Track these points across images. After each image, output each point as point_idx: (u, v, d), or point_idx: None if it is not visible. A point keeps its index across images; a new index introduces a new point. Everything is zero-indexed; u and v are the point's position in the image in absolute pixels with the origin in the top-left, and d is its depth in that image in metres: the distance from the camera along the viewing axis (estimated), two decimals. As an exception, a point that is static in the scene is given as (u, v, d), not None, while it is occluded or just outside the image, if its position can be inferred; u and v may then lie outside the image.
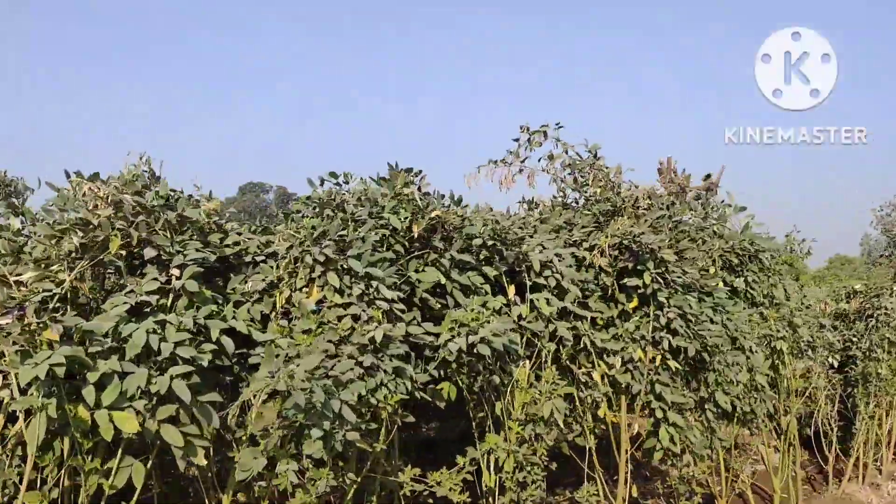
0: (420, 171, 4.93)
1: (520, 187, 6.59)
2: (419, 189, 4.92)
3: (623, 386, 5.78)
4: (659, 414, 5.79)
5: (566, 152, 6.31)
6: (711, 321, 6.01)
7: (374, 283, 3.95)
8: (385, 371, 3.76)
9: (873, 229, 28.53)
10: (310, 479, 3.59)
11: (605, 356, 5.75)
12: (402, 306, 4.04)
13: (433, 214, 4.57)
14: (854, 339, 10.39)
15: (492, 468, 4.72)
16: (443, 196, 4.82)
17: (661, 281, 5.63)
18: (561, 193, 6.63)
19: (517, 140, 6.44)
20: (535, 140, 6.37)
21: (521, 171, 5.99)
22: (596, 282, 5.69)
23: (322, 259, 3.90)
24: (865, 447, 9.43)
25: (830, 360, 8.63)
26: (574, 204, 6.49)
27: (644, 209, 6.15)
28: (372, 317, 3.88)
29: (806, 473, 9.99)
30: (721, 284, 6.74)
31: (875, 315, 10.66)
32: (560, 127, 6.29)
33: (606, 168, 6.12)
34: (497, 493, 4.71)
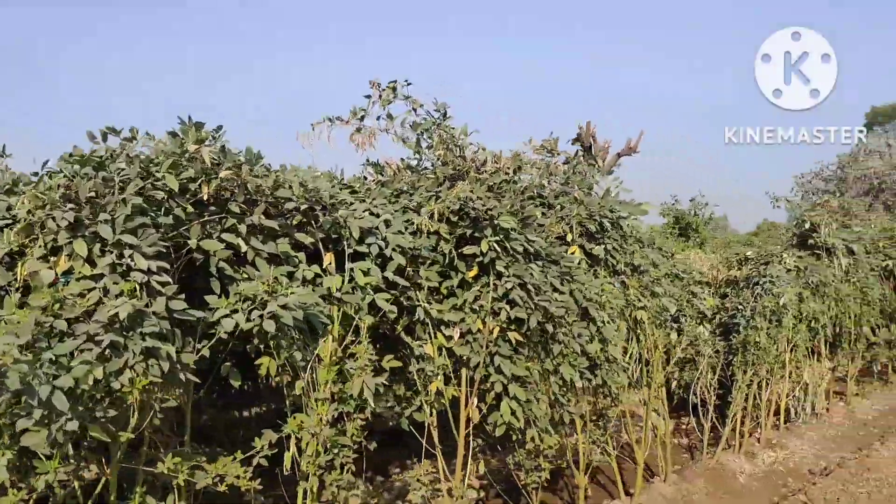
0: (220, 127, 4.46)
1: (388, 147, 6.18)
2: (222, 147, 4.46)
3: (464, 359, 5.50)
4: (499, 388, 5.51)
5: (415, 110, 5.91)
6: (557, 291, 5.74)
7: (129, 252, 3.50)
8: (133, 352, 3.33)
9: (794, 195, 29.00)
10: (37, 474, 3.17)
11: (442, 327, 5.44)
12: (165, 278, 3.60)
13: (223, 174, 4.12)
14: (739, 308, 10.37)
15: (294, 451, 4.36)
16: (239, 153, 4.36)
17: (499, 249, 5.31)
18: (416, 156, 6.24)
19: (368, 97, 6.02)
20: (385, 98, 5.94)
21: (359, 130, 5.56)
22: (434, 249, 5.34)
23: (65, 224, 3.43)
24: (743, 416, 9.42)
25: (701, 328, 8.51)
26: (427, 167, 6.12)
27: (491, 173, 5.81)
28: (123, 290, 3.43)
29: (689, 442, 9.99)
30: (578, 252, 6.48)
31: (760, 283, 10.66)
32: (409, 84, 5.88)
33: (452, 129, 5.74)
34: (299, 479, 4.37)
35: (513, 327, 5.51)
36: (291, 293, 4.10)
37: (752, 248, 12.29)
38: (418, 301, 5.26)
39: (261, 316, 3.85)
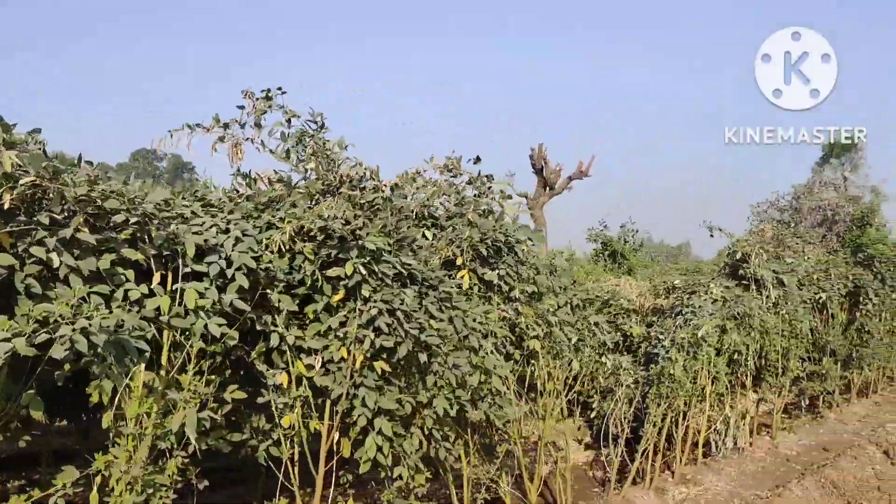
0: (38, 130, 4.02)
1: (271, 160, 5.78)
2: (42, 151, 4.03)
3: (328, 390, 5.09)
4: (362, 421, 5.11)
5: (289, 121, 5.51)
6: (434, 318, 5.36)
7: None
8: None
9: (749, 224, 29.13)
10: None
11: (304, 355, 5.03)
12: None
13: (25, 181, 3.68)
14: (660, 338, 10.11)
15: (95, 492, 3.90)
16: (53, 158, 3.92)
17: (365, 272, 4.92)
18: (296, 169, 5.84)
19: (242, 107, 5.62)
20: (259, 107, 5.54)
21: (221, 139, 5.15)
22: (290, 271, 4.93)
23: None
24: (656, 450, 9.11)
25: (624, 358, 8.21)
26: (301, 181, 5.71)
27: (370, 190, 5.43)
28: None
29: (604, 475, 9.64)
30: (469, 278, 6.12)
31: (683, 313, 10.42)
32: (283, 93, 5.48)
33: (326, 141, 5.35)
34: (106, 521, 3.90)
35: (384, 356, 5.11)
36: (102, 315, 3.66)
37: (681, 276, 12.06)
38: (274, 326, 4.84)
39: (51, 340, 3.40)
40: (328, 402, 5.13)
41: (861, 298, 14.12)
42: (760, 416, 13.09)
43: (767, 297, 12.03)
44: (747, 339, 10.59)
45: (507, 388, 5.99)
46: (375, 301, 4.97)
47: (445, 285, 5.52)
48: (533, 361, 6.62)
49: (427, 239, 6.21)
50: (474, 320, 5.66)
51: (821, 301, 13.75)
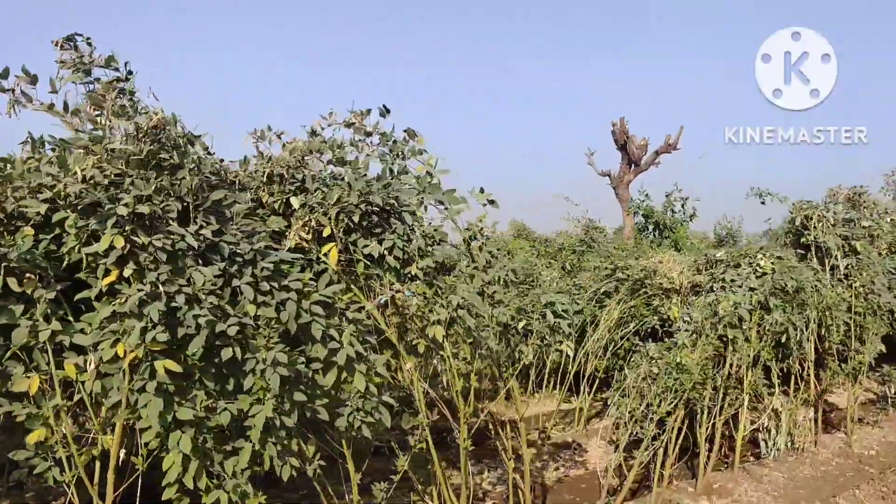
0: None
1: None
2: None
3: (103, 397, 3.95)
4: (149, 436, 3.93)
5: (88, 72, 4.40)
6: (254, 303, 4.10)
7: None
8: None
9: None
10: None
11: (65, 354, 3.91)
12: None
13: None
14: (685, 320, 8.34)
15: None
16: None
17: (129, 246, 3.73)
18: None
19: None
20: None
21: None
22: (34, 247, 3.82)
23: None
24: (665, 455, 7.39)
25: (563, 346, 6.60)
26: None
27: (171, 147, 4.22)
28: None
29: (617, 484, 8.01)
30: (334, 252, 4.80)
31: (714, 289, 8.61)
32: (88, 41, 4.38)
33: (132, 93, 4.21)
34: None
35: (175, 349, 3.92)
36: None
37: (723, 248, 10.09)
38: (20, 319, 3.74)
39: None
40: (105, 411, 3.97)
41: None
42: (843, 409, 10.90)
43: (835, 267, 9.87)
44: (797, 318, 8.56)
45: (381, 388, 4.61)
46: (146, 283, 3.76)
47: (271, 260, 4.22)
48: (442, 353, 5.18)
49: (293, 207, 4.95)
50: (318, 304, 4.33)
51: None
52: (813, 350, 9.02)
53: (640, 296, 10.19)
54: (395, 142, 5.58)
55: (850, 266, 9.91)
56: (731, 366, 7.98)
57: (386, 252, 4.96)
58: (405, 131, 5.76)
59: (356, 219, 4.83)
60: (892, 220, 10.96)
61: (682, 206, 13.03)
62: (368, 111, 5.64)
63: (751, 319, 8.09)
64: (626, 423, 7.59)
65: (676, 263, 10.43)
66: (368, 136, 5.68)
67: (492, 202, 5.80)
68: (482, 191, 5.80)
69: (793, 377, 8.98)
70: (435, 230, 5.18)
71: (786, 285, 8.55)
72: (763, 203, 10.35)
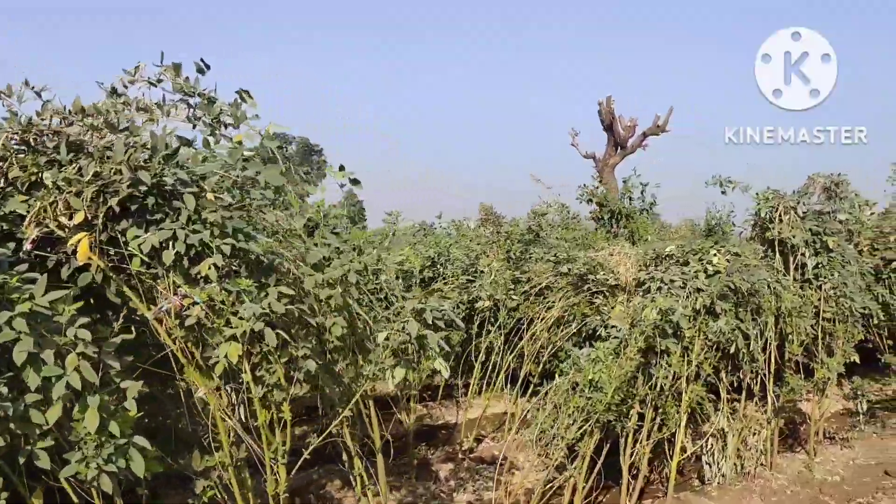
0: None
1: None
2: None
3: None
4: None
5: None
6: None
7: None
8: None
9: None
10: None
11: None
12: None
13: None
14: (615, 326, 7.19)
15: None
16: None
17: None
18: None
19: None
20: None
21: None
22: None
23: None
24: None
25: (435, 365, 5.40)
26: None
27: None
28: None
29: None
30: (84, 245, 3.65)
31: (651, 289, 7.43)
32: None
33: None
34: None
35: None
36: None
37: (674, 242, 8.86)
38: None
39: None
40: None
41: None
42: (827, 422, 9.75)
43: (803, 266, 8.63)
44: (750, 325, 7.35)
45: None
46: None
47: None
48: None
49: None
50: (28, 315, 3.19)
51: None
52: (773, 361, 7.81)
53: (583, 293, 9.00)
54: (210, 101, 4.45)
55: (820, 265, 8.66)
56: (664, 381, 6.79)
57: (163, 245, 3.80)
58: (237, 92, 4.66)
59: (118, 200, 3.68)
60: (873, 213, 9.66)
61: (642, 192, 11.75)
62: (179, 65, 4.51)
63: (695, 326, 6.89)
64: (544, 443, 6.49)
65: (626, 257, 9.22)
66: (189, 96, 4.56)
67: (354, 182, 4.77)
68: (342, 168, 4.74)
69: (744, 392, 7.78)
70: (247, 217, 4.03)
71: (737, 287, 7.34)
72: (724, 193, 9.09)
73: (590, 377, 6.04)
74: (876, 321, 9.73)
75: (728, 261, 7.97)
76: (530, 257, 9.69)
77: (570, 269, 8.91)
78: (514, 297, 8.95)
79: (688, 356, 6.84)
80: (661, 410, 7.06)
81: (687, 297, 7.29)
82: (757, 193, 8.74)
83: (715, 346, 7.22)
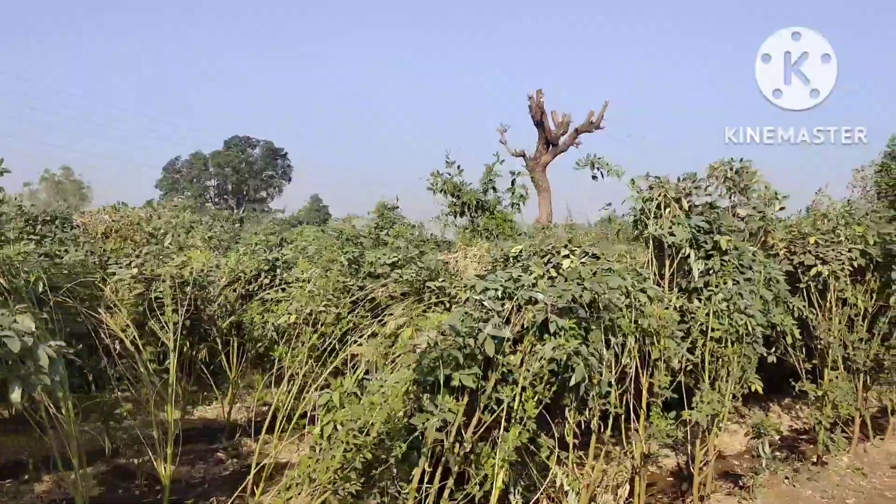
0: None
1: None
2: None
3: None
4: None
5: None
6: None
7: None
8: None
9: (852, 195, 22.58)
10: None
11: None
12: None
13: None
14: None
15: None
16: None
17: None
18: None
19: None
20: None
21: None
22: None
23: None
24: None
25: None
26: None
27: None
28: None
29: None
30: None
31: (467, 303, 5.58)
32: None
33: None
34: None
35: None
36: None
37: (520, 243, 7.03)
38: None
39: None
40: None
41: (894, 275, 8.41)
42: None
43: (687, 272, 6.85)
44: (598, 349, 5.53)
45: None
46: None
47: None
48: None
49: None
50: None
51: (820, 279, 8.26)
52: (644, 392, 6.00)
53: (420, 302, 7.15)
54: None
55: (711, 271, 6.86)
56: (470, 424, 4.95)
57: None
58: None
59: None
60: (783, 208, 7.87)
61: (512, 184, 9.88)
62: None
63: (523, 351, 5.07)
64: None
65: (473, 260, 7.38)
66: None
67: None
68: None
69: (593, 436, 5.94)
70: None
71: (593, 298, 5.53)
72: (595, 178, 7.28)
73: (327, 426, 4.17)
74: (791, 340, 7.97)
75: (584, 263, 6.19)
76: (365, 262, 7.83)
77: (400, 276, 7.07)
78: (332, 309, 7.08)
79: (496, 390, 4.99)
80: (476, 459, 5.23)
81: (518, 310, 5.49)
82: (632, 180, 6.94)
83: (549, 377, 5.40)
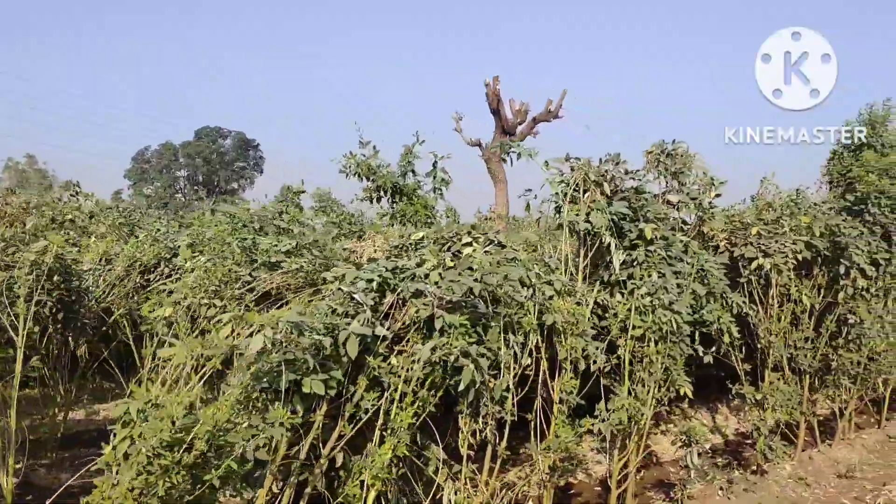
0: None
1: None
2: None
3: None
4: None
5: None
6: None
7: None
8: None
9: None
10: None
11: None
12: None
13: None
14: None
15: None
16: None
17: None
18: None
19: None
20: None
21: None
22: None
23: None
24: None
25: None
26: None
27: None
28: None
29: None
30: None
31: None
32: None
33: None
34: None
35: None
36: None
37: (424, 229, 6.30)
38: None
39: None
40: None
41: (843, 269, 7.78)
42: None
43: (609, 263, 6.18)
44: (495, 349, 4.83)
45: None
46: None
47: None
48: None
49: None
50: None
51: (762, 273, 7.62)
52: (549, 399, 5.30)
53: (317, 294, 6.40)
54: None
55: (636, 262, 6.19)
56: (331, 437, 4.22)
57: None
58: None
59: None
60: (719, 195, 7.21)
61: (434, 166, 9.14)
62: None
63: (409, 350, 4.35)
64: None
65: (376, 248, 6.65)
66: None
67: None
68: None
69: (489, 448, 5.23)
70: None
71: (474, 291, 4.82)
72: (504, 160, 6.55)
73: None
74: (729, 339, 7.32)
75: (488, 252, 5.49)
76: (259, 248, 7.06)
77: (291, 265, 6.32)
78: (217, 302, 6.32)
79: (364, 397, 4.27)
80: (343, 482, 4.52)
81: (403, 304, 4.78)
82: (546, 162, 6.23)
83: (438, 381, 4.69)
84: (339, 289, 4.56)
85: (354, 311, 4.43)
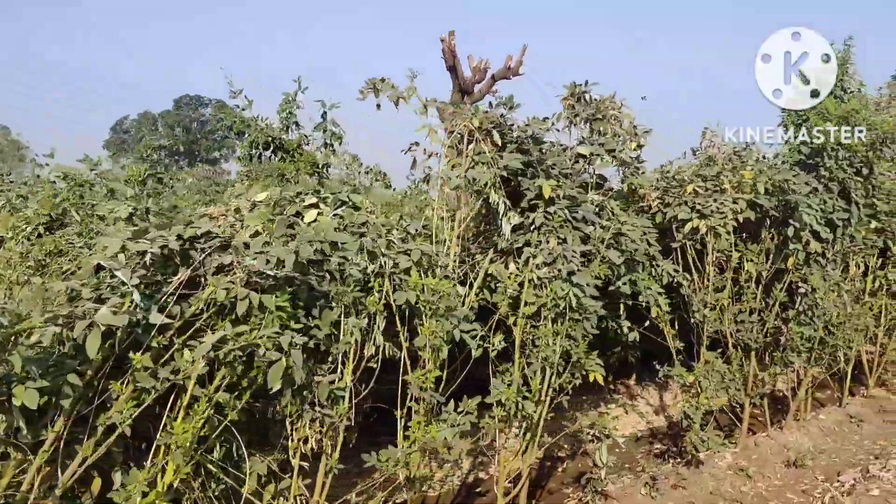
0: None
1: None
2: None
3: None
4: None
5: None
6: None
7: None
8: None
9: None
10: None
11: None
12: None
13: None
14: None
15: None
16: None
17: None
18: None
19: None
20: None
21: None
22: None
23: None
24: None
25: None
26: None
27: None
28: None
29: None
30: None
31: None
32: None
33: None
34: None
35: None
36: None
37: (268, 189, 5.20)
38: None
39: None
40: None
41: (792, 232, 6.75)
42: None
43: (497, 229, 5.13)
44: (316, 336, 3.81)
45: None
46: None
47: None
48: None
49: None
50: None
51: (697, 237, 6.61)
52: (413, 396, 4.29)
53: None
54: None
55: (533, 226, 5.14)
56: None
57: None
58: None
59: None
60: (642, 146, 6.13)
61: (323, 117, 7.97)
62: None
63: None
64: None
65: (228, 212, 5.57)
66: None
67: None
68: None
69: (324, 457, 4.23)
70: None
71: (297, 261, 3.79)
72: (379, 107, 5.45)
73: None
74: (656, 314, 6.33)
75: (337, 216, 4.45)
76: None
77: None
78: (36, 279, 5.27)
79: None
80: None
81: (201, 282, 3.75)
82: (424, 106, 5.14)
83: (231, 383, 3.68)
84: (98, 264, 3.50)
85: (108, 294, 3.38)
